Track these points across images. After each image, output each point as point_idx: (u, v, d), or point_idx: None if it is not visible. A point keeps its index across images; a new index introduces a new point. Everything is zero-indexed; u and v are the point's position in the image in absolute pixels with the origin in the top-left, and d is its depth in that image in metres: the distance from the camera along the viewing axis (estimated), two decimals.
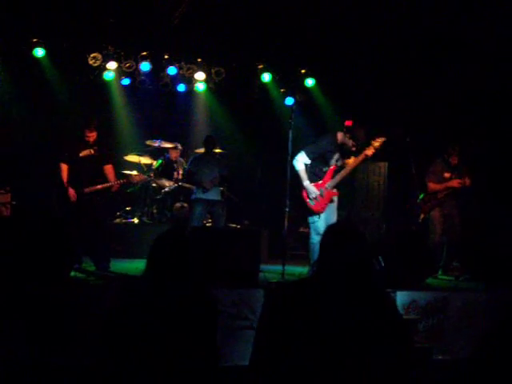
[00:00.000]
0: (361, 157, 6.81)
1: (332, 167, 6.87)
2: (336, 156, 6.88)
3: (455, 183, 7.83)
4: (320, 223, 6.80)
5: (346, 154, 6.93)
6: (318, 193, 6.78)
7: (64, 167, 7.06)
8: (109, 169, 7.23)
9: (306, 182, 6.79)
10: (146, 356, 2.98)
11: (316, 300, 2.75)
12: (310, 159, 6.83)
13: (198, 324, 3.08)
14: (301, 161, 6.81)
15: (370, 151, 6.77)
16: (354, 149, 6.84)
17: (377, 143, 6.73)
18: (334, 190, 6.90)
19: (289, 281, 6.22)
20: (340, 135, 6.83)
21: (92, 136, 7.05)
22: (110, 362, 3.01)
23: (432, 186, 7.97)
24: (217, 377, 3.16)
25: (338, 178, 6.87)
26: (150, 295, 3.09)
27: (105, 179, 7.14)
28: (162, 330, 3.00)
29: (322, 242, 2.96)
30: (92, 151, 7.08)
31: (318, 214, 6.82)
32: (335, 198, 6.95)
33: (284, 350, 2.72)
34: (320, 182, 6.85)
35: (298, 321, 2.72)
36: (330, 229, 3.06)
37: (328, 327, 2.67)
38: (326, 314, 2.70)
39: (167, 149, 10.19)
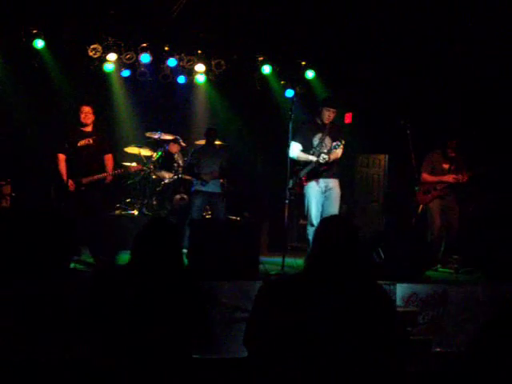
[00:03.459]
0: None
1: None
2: (319, 136, 6.96)
3: (450, 178, 7.79)
4: (314, 215, 6.84)
5: (332, 136, 6.98)
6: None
7: (62, 157, 6.99)
8: (108, 159, 7.19)
9: (311, 157, 6.91)
10: (134, 347, 2.99)
11: (306, 293, 2.76)
12: (299, 143, 6.97)
13: (187, 312, 3.09)
14: (294, 149, 6.93)
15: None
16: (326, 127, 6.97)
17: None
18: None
19: (280, 274, 6.23)
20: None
21: (87, 112, 6.98)
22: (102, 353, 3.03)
23: (425, 176, 7.91)
24: (210, 366, 3.18)
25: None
26: (135, 283, 3.09)
27: (104, 169, 7.10)
28: (149, 317, 3.01)
29: (315, 236, 3.00)
30: (90, 140, 7.01)
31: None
32: (336, 191, 6.97)
33: (275, 342, 2.73)
34: None
35: (289, 313, 2.73)
36: (323, 222, 3.12)
37: (318, 319, 2.68)
38: (315, 306, 2.71)
39: (167, 141, 10.17)
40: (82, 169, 6.94)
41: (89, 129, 7.07)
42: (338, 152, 6.88)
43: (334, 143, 6.81)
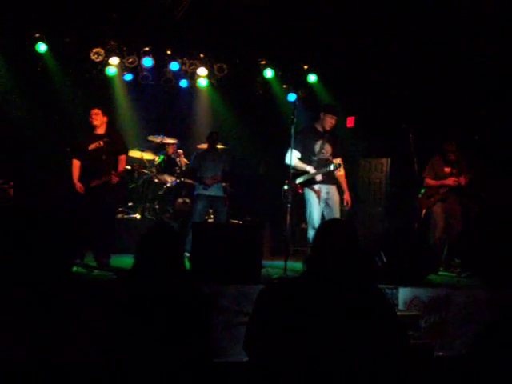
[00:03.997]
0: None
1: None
2: (320, 143, 7.02)
3: (451, 181, 7.87)
4: (315, 219, 6.87)
5: (332, 142, 7.07)
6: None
7: (75, 163, 7.03)
8: (121, 160, 7.16)
9: (309, 167, 6.95)
10: (140, 348, 2.99)
11: (305, 296, 2.77)
12: (298, 151, 6.99)
13: (189, 317, 3.09)
14: (293, 157, 6.92)
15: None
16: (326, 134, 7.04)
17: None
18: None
19: (282, 278, 6.23)
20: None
21: (95, 114, 6.99)
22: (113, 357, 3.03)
23: (428, 181, 8.03)
24: (210, 370, 3.17)
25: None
26: (140, 288, 3.10)
27: (115, 171, 7.04)
28: (154, 323, 3.01)
29: (314, 239, 3.00)
30: (101, 143, 6.97)
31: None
32: (337, 197, 7.01)
33: (275, 345, 2.74)
34: None
35: (288, 317, 2.73)
36: (322, 226, 3.15)
37: (317, 322, 2.68)
38: (315, 309, 2.71)
39: (169, 144, 10.18)
40: (93, 172, 6.93)
41: (101, 131, 7.05)
42: (341, 170, 7.03)
43: (334, 165, 6.84)
